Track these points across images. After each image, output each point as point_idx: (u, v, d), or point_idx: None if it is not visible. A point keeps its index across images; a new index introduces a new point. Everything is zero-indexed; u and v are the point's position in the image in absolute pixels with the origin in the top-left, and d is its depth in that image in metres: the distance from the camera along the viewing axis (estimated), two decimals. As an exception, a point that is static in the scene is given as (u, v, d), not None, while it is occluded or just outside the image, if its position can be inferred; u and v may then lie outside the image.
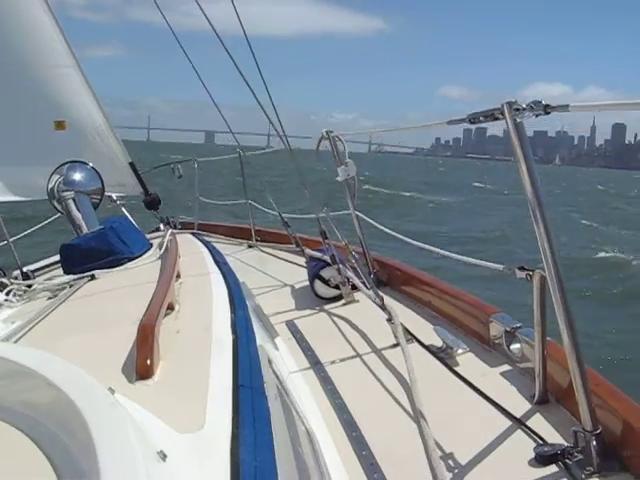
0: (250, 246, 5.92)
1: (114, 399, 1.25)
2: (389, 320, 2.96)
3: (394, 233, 3.76)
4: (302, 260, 4.58)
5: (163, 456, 1.12)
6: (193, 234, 5.56)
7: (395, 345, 2.88)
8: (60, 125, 6.34)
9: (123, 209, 5.95)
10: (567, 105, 1.60)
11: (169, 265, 2.97)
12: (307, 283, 4.06)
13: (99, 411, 1.17)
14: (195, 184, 7.25)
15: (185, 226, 6.60)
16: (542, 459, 1.90)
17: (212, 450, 1.26)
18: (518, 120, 1.77)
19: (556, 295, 1.85)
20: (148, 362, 1.68)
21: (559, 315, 1.86)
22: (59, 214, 4.70)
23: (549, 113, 1.65)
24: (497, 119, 1.86)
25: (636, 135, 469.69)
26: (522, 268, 2.18)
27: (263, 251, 5.67)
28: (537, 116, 1.71)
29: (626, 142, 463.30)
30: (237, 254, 5.28)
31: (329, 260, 3.75)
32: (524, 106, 1.73)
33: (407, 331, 2.92)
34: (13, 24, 6.12)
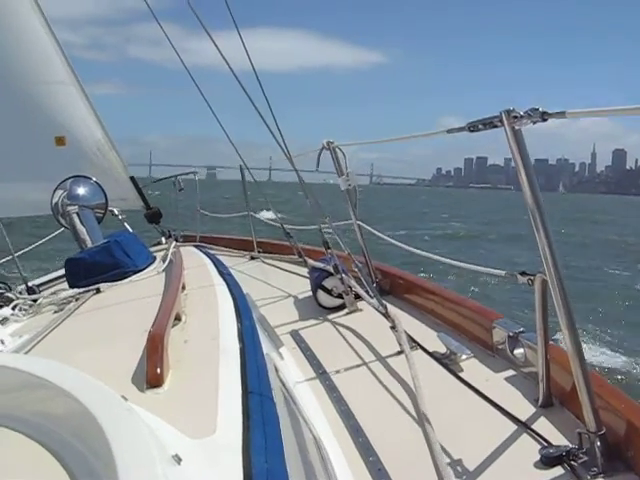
0: (252, 258, 5.95)
1: (129, 406, 1.27)
2: (393, 328, 2.98)
3: (397, 242, 3.80)
4: (304, 270, 4.60)
5: (178, 460, 1.15)
6: (196, 246, 5.58)
7: (399, 352, 2.90)
8: (60, 141, 6.39)
9: (125, 224, 5.99)
10: (564, 112, 1.63)
11: (175, 276, 3.00)
12: (310, 293, 4.09)
13: (115, 418, 1.19)
14: (196, 197, 7.30)
15: (187, 239, 6.63)
16: (548, 461, 1.93)
17: (224, 455, 1.28)
18: (517, 127, 1.81)
19: (558, 299, 1.88)
20: (158, 371, 1.70)
21: (561, 319, 1.89)
22: (63, 228, 4.73)
23: (546, 120, 1.69)
24: (496, 127, 1.90)
25: (637, 160, 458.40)
26: (524, 273, 2.21)
27: (265, 262, 5.70)
28: (535, 123, 1.74)
29: (627, 168, 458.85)
30: (240, 266, 5.31)
31: (331, 270, 3.78)
32: (522, 113, 1.77)
33: (411, 338, 2.94)
34: (11, 40, 6.18)
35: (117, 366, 1.87)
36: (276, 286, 4.59)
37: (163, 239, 6.27)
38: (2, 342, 2.51)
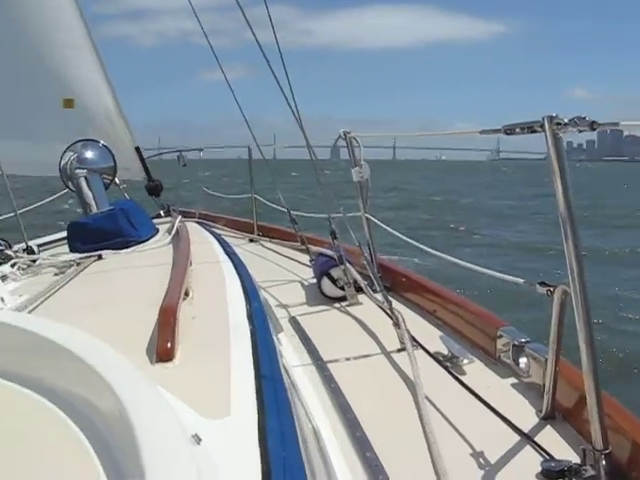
0: (252, 240, 5.91)
1: (149, 381, 1.24)
2: (395, 324, 2.95)
3: (409, 239, 3.76)
4: (305, 258, 4.57)
5: (198, 439, 1.11)
6: (198, 223, 5.54)
7: (400, 350, 2.87)
8: (68, 103, 6.32)
9: (125, 194, 5.94)
10: (617, 122, 1.60)
11: (183, 250, 2.96)
12: (310, 281, 4.05)
13: (136, 392, 1.16)
14: (199, 174, 7.26)
15: (185, 215, 6.58)
16: (549, 474, 1.90)
17: (241, 438, 1.25)
18: (559, 135, 1.77)
19: (580, 313, 1.84)
20: (169, 345, 1.66)
21: (580, 333, 1.85)
22: (67, 190, 4.68)
23: (595, 129, 1.65)
24: (535, 132, 1.85)
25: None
26: (543, 283, 2.17)
27: (264, 246, 5.66)
28: (581, 132, 1.70)
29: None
30: (239, 247, 5.27)
31: (336, 259, 3.74)
32: (566, 121, 1.73)
33: (412, 337, 2.91)
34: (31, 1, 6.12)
35: (123, 336, 1.82)
36: (275, 270, 4.56)
37: (161, 212, 6.22)
38: (2, 300, 2.46)
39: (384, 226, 4.00)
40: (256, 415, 1.34)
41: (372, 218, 3.93)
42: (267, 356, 1.73)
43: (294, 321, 3.43)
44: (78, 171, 4.36)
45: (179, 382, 1.50)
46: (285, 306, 3.65)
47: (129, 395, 1.13)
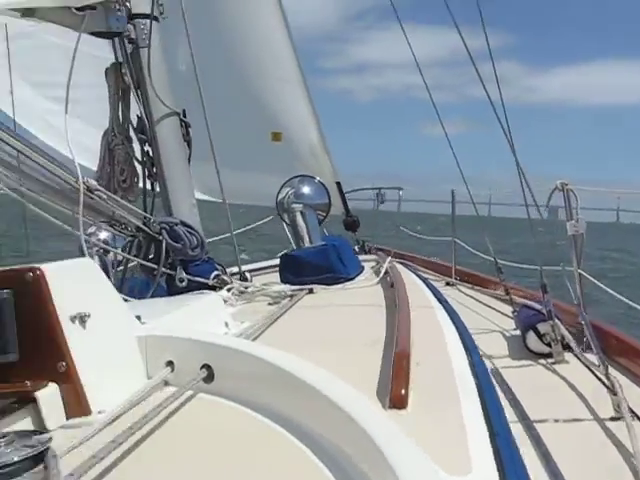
0: (448, 284, 5.85)
1: (399, 431, 1.25)
2: (610, 390, 2.80)
3: (628, 301, 3.58)
4: (506, 308, 4.45)
5: None
6: (400, 263, 5.57)
7: (614, 418, 2.72)
8: (277, 136, 6.62)
9: (324, 229, 6.09)
10: None
11: (403, 294, 2.99)
12: (512, 332, 3.94)
13: (390, 438, 1.17)
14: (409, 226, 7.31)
15: (382, 253, 6.64)
16: None
17: None
18: None
19: None
20: (403, 392, 1.68)
21: None
22: (272, 217, 4.91)
23: None
24: None
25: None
26: None
27: (462, 291, 5.57)
28: None
29: None
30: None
31: (545, 313, 3.62)
32: None
33: (629, 407, 2.75)
34: (248, 32, 6.47)
35: (346, 374, 1.86)
36: (474, 318, 4.46)
37: (356, 248, 6.32)
38: (226, 324, 2.58)
39: (600, 284, 3.84)
40: (497, 475, 1.32)
41: (586, 275, 3.77)
42: (496, 412, 1.71)
43: (495, 374, 3.34)
44: (295, 205, 4.55)
45: (414, 432, 1.50)
46: (488, 357, 3.57)
47: (384, 441, 1.14)
